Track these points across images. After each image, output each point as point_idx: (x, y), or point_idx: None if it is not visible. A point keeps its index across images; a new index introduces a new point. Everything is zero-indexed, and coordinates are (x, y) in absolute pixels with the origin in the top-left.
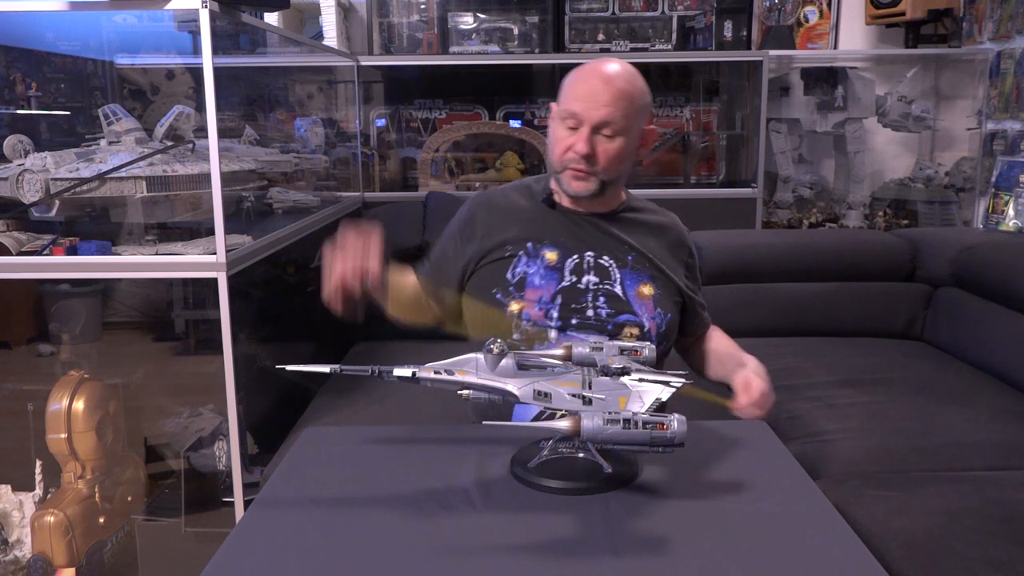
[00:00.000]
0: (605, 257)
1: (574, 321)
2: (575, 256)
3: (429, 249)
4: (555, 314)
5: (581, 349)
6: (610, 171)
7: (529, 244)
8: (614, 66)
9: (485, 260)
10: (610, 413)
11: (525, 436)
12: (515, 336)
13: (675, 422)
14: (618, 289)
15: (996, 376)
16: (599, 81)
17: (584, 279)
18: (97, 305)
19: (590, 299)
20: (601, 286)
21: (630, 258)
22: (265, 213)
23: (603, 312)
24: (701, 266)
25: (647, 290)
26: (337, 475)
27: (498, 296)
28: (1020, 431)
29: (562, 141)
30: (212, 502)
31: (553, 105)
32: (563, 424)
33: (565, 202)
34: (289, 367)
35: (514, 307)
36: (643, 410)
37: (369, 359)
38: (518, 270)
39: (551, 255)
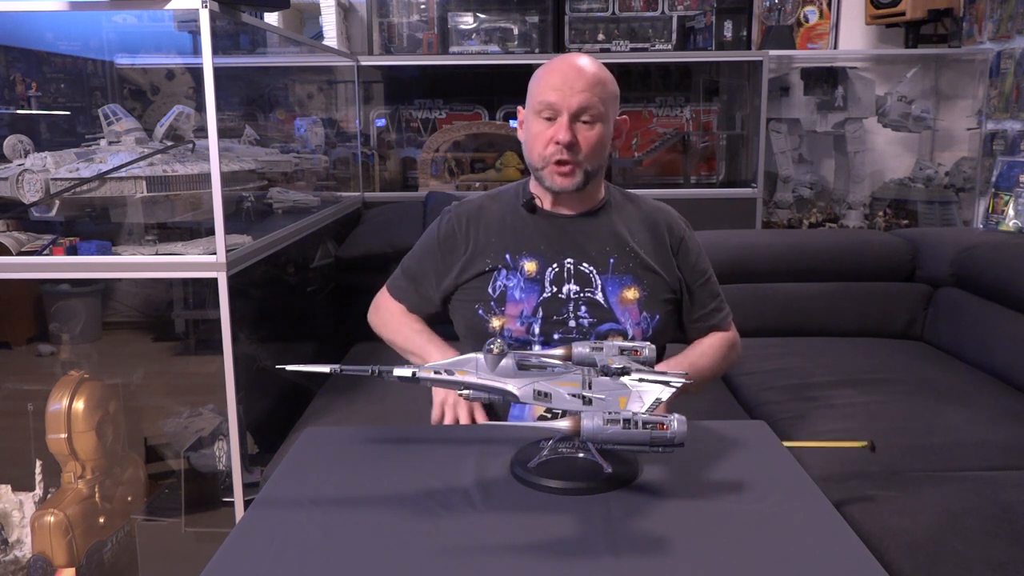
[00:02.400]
0: (585, 264)
1: (556, 336)
2: (554, 265)
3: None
4: (537, 329)
5: (581, 349)
6: (592, 160)
7: (507, 256)
8: (583, 57)
9: (466, 275)
10: (610, 413)
11: (525, 436)
12: None
13: (675, 422)
14: (600, 296)
15: (996, 376)
16: (572, 70)
17: (565, 288)
18: (97, 305)
19: (571, 309)
20: (582, 294)
21: (612, 261)
22: (265, 213)
23: (585, 321)
24: None
25: (631, 294)
26: (337, 475)
27: (480, 312)
28: (1020, 431)
29: (540, 135)
30: (212, 502)
31: (520, 109)
32: (563, 424)
33: (547, 205)
34: (289, 367)
35: (495, 323)
36: (643, 410)
37: (369, 359)
38: (498, 284)
39: (530, 266)
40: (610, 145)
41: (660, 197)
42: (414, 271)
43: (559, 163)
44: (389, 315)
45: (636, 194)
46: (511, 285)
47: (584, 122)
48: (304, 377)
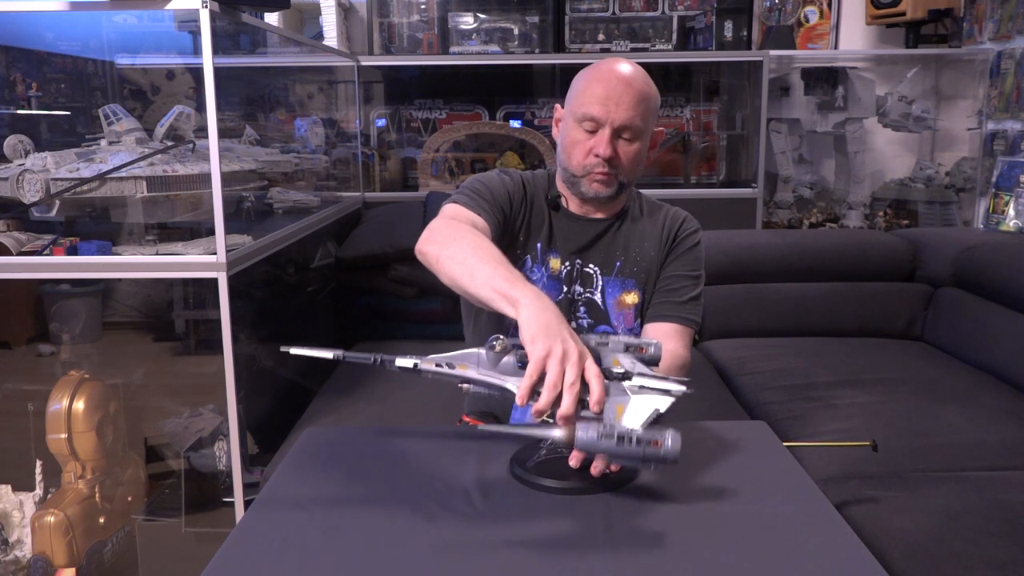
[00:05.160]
0: (591, 265)
1: None
2: (567, 263)
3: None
4: None
5: (587, 341)
6: (630, 174)
7: (539, 245)
8: (628, 67)
9: (506, 239)
10: (605, 427)
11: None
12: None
13: (669, 439)
14: (598, 298)
15: (996, 376)
16: (619, 83)
17: (572, 288)
18: (97, 305)
19: (573, 309)
20: (583, 295)
21: (618, 264)
22: (265, 213)
23: (584, 322)
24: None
25: (630, 299)
26: (337, 475)
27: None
28: (1020, 431)
29: (581, 144)
30: (212, 502)
31: (558, 106)
32: (557, 433)
33: (573, 206)
34: (293, 350)
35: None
36: (641, 422)
37: None
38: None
39: (555, 263)
40: (645, 159)
41: (660, 198)
42: (483, 191)
43: (599, 173)
44: (470, 229)
45: (659, 204)
46: (535, 279)
47: (625, 138)
48: (304, 377)
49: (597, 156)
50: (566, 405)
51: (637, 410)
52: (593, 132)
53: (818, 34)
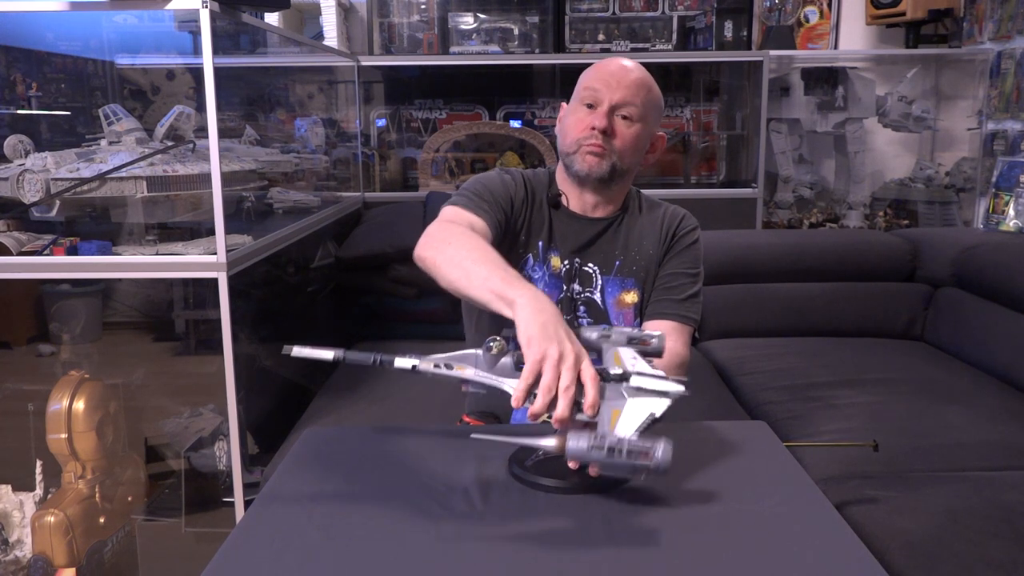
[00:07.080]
0: (590, 264)
1: None
2: (566, 262)
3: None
4: None
5: (589, 334)
6: (624, 156)
7: (540, 244)
8: (632, 63)
9: (507, 240)
10: (596, 438)
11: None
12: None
13: (659, 451)
14: (597, 297)
15: (996, 376)
16: (622, 69)
17: (572, 287)
18: (97, 305)
19: (574, 308)
20: (583, 294)
21: (617, 263)
22: (265, 213)
23: (584, 322)
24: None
25: (630, 298)
26: (337, 475)
27: None
28: (1020, 431)
29: (579, 121)
30: (212, 502)
31: (563, 104)
32: (549, 442)
33: (573, 204)
34: (295, 349)
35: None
36: (635, 428)
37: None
38: (523, 274)
39: (556, 261)
40: (643, 154)
41: (660, 197)
42: (483, 192)
43: (592, 145)
44: (465, 231)
45: (658, 202)
46: (536, 277)
47: (623, 117)
48: (304, 377)
49: (593, 128)
50: (561, 409)
51: (632, 415)
52: (593, 108)
53: (818, 34)
